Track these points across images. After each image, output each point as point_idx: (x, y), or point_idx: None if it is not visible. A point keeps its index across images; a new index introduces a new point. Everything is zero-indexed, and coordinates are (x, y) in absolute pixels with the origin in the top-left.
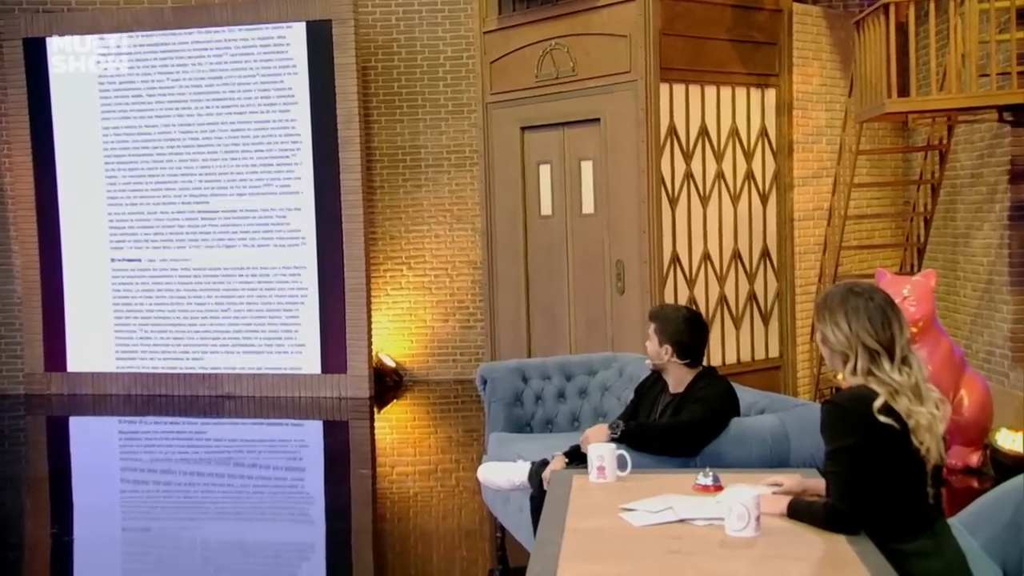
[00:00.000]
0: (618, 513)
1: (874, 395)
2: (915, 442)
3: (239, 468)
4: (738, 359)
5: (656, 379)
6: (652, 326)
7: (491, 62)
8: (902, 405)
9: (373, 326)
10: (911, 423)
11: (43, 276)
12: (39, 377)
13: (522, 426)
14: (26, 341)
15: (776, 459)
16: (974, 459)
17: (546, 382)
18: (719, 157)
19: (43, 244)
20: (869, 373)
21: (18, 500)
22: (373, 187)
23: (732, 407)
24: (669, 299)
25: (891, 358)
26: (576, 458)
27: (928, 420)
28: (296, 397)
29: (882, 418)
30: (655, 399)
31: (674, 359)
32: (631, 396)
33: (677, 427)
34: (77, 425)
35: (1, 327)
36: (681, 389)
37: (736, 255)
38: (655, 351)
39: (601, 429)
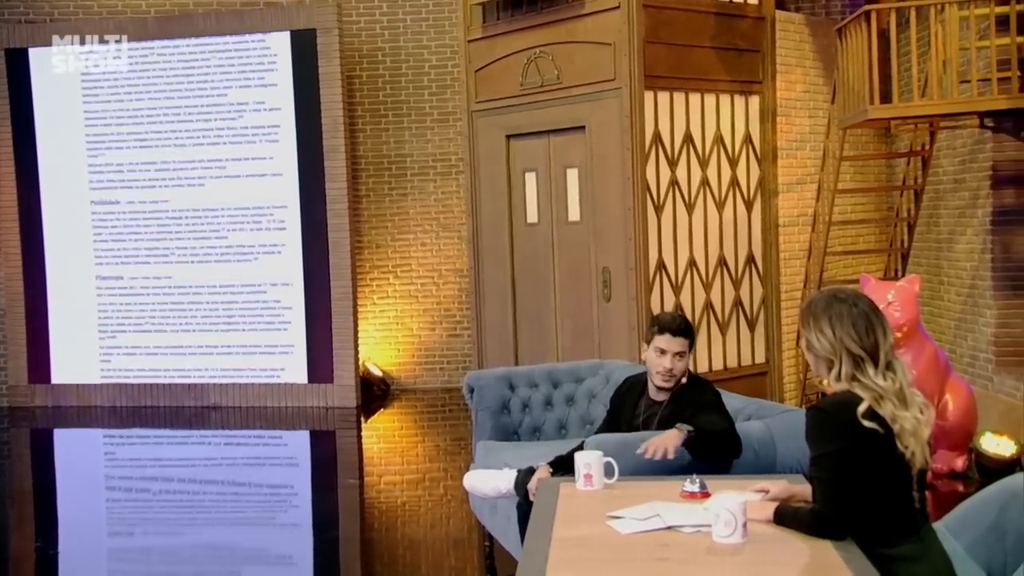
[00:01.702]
0: (605, 521)
1: (858, 400)
2: (900, 447)
3: (225, 479)
4: (724, 365)
5: (630, 386)
6: (688, 342)
7: (476, 70)
8: (887, 410)
9: (360, 335)
10: (896, 428)
11: (26, 287)
12: (23, 389)
13: (509, 434)
14: (9, 353)
15: (762, 465)
16: (959, 463)
17: (533, 390)
18: (704, 164)
19: (26, 255)
20: (853, 379)
21: (2, 514)
22: (359, 196)
23: None
24: (655, 306)
25: (875, 364)
26: (560, 468)
27: (913, 425)
28: (282, 407)
29: (866, 423)
30: (634, 406)
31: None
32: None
33: (730, 432)
34: (61, 437)
35: None
36: (667, 396)
37: (722, 262)
38: (687, 367)
39: (671, 435)
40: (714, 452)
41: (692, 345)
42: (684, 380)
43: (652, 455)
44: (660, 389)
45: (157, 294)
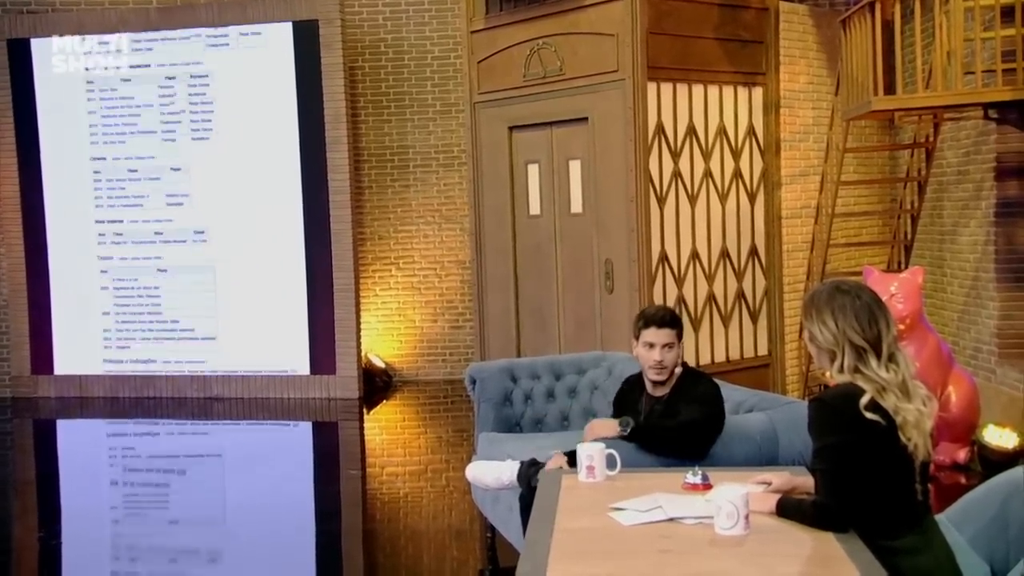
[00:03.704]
0: (607, 513)
1: (861, 392)
2: (902, 439)
3: (228, 470)
4: (727, 357)
5: (631, 385)
6: (675, 332)
7: (478, 62)
8: (889, 402)
9: (362, 327)
10: (898, 420)
11: (29, 278)
12: (26, 380)
13: (512, 426)
14: (12, 344)
15: (765, 457)
16: (962, 455)
17: (535, 382)
18: (707, 156)
19: (29, 246)
20: (856, 371)
21: (5, 504)
22: (361, 187)
23: (722, 405)
24: (658, 298)
25: (878, 355)
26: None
27: (915, 417)
28: (285, 398)
29: (869, 415)
30: (635, 404)
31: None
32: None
33: (687, 426)
34: (64, 428)
35: None
36: (667, 391)
37: (724, 254)
38: (679, 356)
39: (610, 424)
40: (661, 448)
41: (680, 335)
42: (678, 371)
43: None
44: (655, 383)
45: (160, 285)
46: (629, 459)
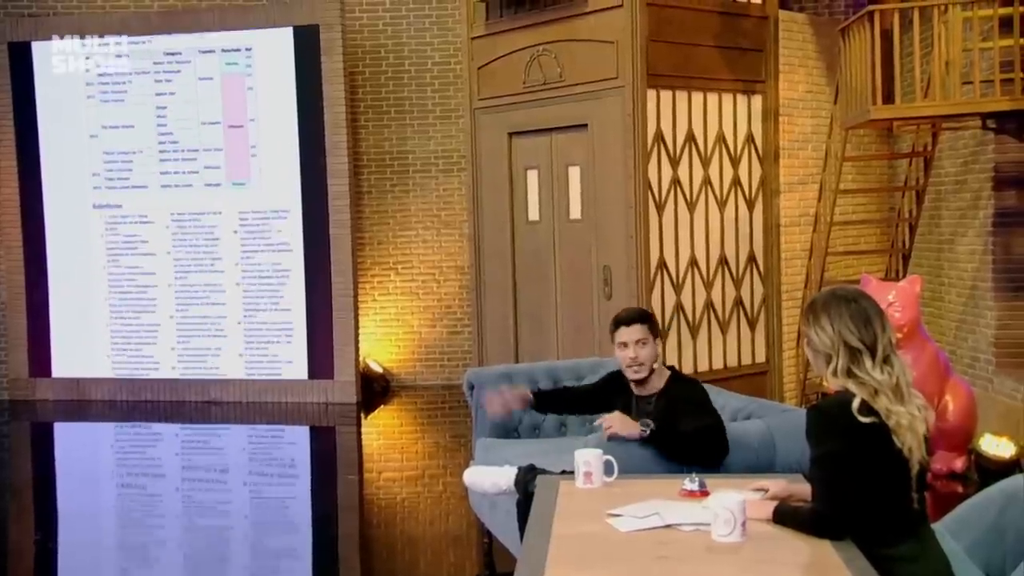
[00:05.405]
0: (605, 519)
1: (854, 398)
2: (897, 443)
3: (225, 474)
4: (724, 364)
5: (620, 385)
6: (645, 327)
7: (479, 68)
8: (881, 404)
9: (360, 331)
10: (891, 423)
11: (28, 281)
12: (24, 383)
13: (509, 432)
14: (10, 346)
15: (762, 464)
16: (958, 464)
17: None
18: (706, 163)
19: (28, 249)
20: (849, 373)
21: (2, 507)
22: (360, 192)
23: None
24: (656, 305)
25: (873, 357)
26: (543, 399)
27: (908, 420)
28: (283, 403)
29: (863, 418)
30: (625, 405)
31: (659, 360)
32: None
33: (704, 432)
34: (62, 431)
35: None
36: (654, 391)
37: (723, 261)
38: (655, 352)
39: (631, 423)
40: (679, 453)
41: (654, 331)
42: (657, 366)
43: (607, 433)
44: (637, 383)
45: (159, 289)
46: (642, 465)
